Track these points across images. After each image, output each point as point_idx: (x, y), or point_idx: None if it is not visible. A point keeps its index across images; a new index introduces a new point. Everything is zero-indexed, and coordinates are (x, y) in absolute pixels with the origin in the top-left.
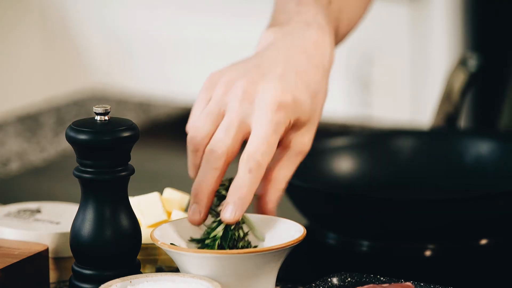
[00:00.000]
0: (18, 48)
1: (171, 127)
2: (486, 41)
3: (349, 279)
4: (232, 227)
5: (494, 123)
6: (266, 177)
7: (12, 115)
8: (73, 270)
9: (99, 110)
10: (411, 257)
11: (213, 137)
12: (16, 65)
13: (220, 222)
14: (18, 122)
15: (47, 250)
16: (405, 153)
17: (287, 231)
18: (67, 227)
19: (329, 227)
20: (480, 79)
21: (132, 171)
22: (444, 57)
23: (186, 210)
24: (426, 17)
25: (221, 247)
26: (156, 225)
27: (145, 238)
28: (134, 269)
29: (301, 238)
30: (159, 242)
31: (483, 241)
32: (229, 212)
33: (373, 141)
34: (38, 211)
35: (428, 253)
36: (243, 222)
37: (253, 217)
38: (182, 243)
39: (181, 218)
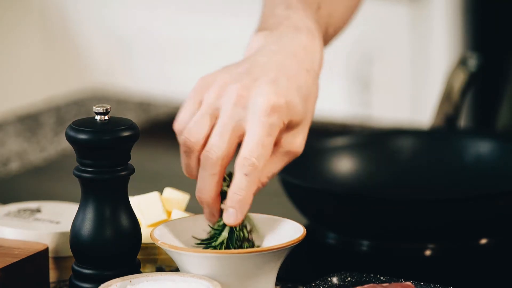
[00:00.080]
0: (18, 48)
1: (171, 127)
2: (486, 41)
3: (349, 278)
4: (237, 228)
5: (493, 122)
6: None
7: (12, 115)
8: (73, 269)
9: (99, 109)
10: (411, 257)
11: (208, 142)
12: (16, 65)
13: (224, 226)
14: (18, 122)
15: (47, 249)
16: (405, 153)
17: (287, 231)
18: (67, 227)
19: (329, 226)
20: (480, 79)
21: (132, 170)
22: (444, 57)
23: (186, 209)
24: (426, 17)
25: (227, 248)
26: (156, 224)
27: (145, 237)
28: (134, 268)
29: (301, 238)
30: (159, 242)
31: (483, 241)
32: (231, 216)
33: (373, 141)
34: (38, 210)
35: (428, 252)
36: (245, 223)
37: (253, 217)
38: (182, 243)
39: (181, 218)
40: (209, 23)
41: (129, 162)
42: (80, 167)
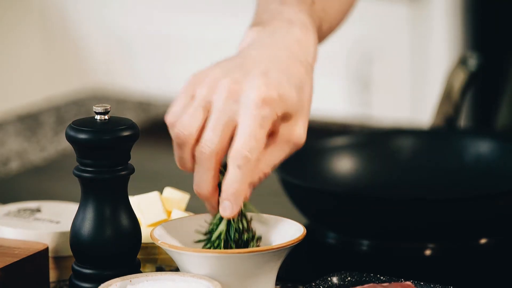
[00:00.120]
0: (18, 48)
1: None
2: (486, 40)
3: (349, 278)
4: (235, 220)
5: (492, 122)
6: None
7: (12, 114)
8: (73, 269)
9: (99, 109)
10: (411, 257)
11: (202, 137)
12: (16, 64)
13: (221, 219)
14: (18, 122)
15: (47, 249)
16: (405, 152)
17: (287, 231)
18: (67, 226)
19: (329, 226)
20: (480, 78)
21: (132, 170)
22: (444, 57)
23: (186, 209)
24: (426, 17)
25: (227, 241)
26: (156, 224)
27: (145, 237)
28: (134, 268)
29: (301, 238)
30: (159, 242)
31: (483, 241)
32: (226, 209)
33: (373, 140)
34: (38, 210)
35: (428, 252)
36: (245, 212)
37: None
38: (182, 243)
39: (181, 217)
40: (209, 23)
41: (129, 162)
42: (80, 167)
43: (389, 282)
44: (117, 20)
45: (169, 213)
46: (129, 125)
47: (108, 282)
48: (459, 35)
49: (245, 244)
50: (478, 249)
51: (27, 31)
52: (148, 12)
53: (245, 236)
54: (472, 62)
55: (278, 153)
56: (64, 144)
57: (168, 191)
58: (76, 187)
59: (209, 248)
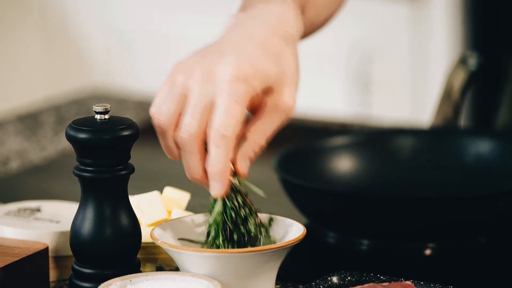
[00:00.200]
0: (18, 47)
1: None
2: (486, 40)
3: (349, 278)
4: (229, 198)
5: (492, 122)
6: (243, 136)
7: (12, 114)
8: (73, 269)
9: (99, 109)
10: (411, 256)
11: (181, 123)
12: (16, 64)
13: (215, 200)
14: (18, 121)
15: (47, 249)
16: (405, 152)
17: (287, 230)
18: (67, 226)
19: (329, 226)
20: (480, 78)
21: (132, 170)
22: (444, 56)
23: (186, 208)
24: (426, 17)
25: (224, 222)
26: (156, 224)
27: (145, 237)
28: (134, 268)
29: (301, 237)
30: (159, 241)
31: (483, 241)
32: (215, 189)
33: (373, 140)
34: (38, 210)
35: (428, 252)
36: (239, 188)
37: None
38: (182, 242)
39: (181, 217)
40: (209, 23)
41: (129, 161)
42: (80, 166)
43: (389, 281)
44: (117, 20)
45: (169, 212)
46: (129, 124)
47: (108, 281)
48: (459, 35)
49: (244, 221)
50: (478, 249)
51: (27, 31)
52: (148, 12)
53: (242, 212)
54: (472, 62)
55: (270, 124)
56: (64, 144)
57: (168, 191)
58: (76, 187)
59: (209, 233)
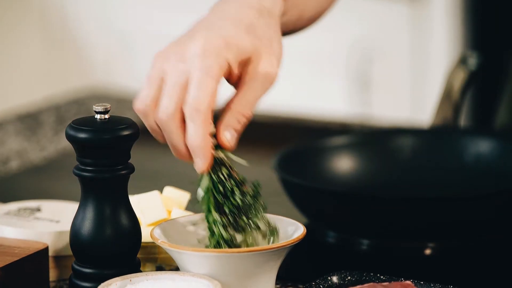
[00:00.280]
0: (18, 47)
1: None
2: (486, 39)
3: (349, 277)
4: (213, 172)
5: (491, 121)
6: (225, 108)
7: (12, 114)
8: (73, 268)
9: (99, 108)
10: (411, 256)
11: (159, 106)
12: (16, 64)
13: (202, 175)
14: (18, 121)
15: (47, 248)
16: (405, 152)
17: (287, 230)
18: (67, 226)
19: (329, 226)
20: (480, 77)
21: (132, 169)
22: (444, 56)
23: (186, 208)
24: (426, 17)
25: (214, 196)
26: (156, 223)
27: (145, 236)
28: (134, 267)
29: (301, 237)
30: (159, 241)
31: (483, 240)
32: (197, 164)
33: (373, 140)
34: (38, 209)
35: (428, 251)
36: (224, 161)
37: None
38: (182, 242)
39: (181, 217)
40: None
41: (129, 161)
42: (80, 166)
43: (389, 281)
44: (117, 20)
45: (169, 212)
46: (129, 124)
47: (108, 281)
48: (459, 34)
49: (232, 193)
50: (478, 248)
51: (27, 31)
52: (148, 12)
53: (228, 184)
54: (472, 62)
55: (252, 93)
56: (64, 144)
57: (168, 190)
58: (76, 187)
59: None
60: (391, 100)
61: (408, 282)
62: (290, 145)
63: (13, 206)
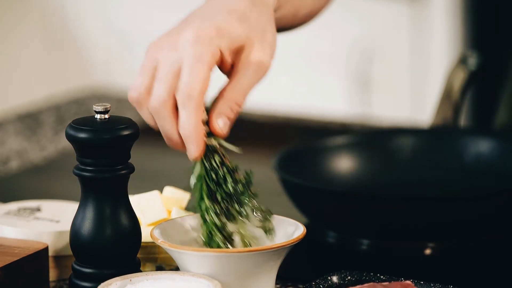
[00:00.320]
0: (18, 47)
1: None
2: (486, 39)
3: (349, 277)
4: (206, 159)
5: (491, 121)
6: (218, 96)
7: (12, 114)
8: (73, 268)
9: (99, 108)
10: (411, 256)
11: (151, 94)
12: (16, 64)
13: (195, 163)
14: (18, 121)
15: (47, 248)
16: (405, 151)
17: (287, 230)
18: (67, 226)
19: (329, 225)
20: (480, 77)
21: (132, 169)
22: (444, 56)
23: (186, 208)
24: (426, 17)
25: (207, 183)
26: (156, 223)
27: (145, 236)
28: (134, 267)
29: (301, 237)
30: (159, 241)
31: (483, 240)
32: (190, 151)
33: (373, 139)
34: (38, 209)
35: (428, 251)
36: (214, 148)
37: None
38: (182, 242)
39: (181, 216)
40: None
41: (129, 161)
42: (80, 166)
43: (389, 281)
44: (117, 20)
45: (169, 212)
46: (129, 124)
47: (108, 281)
48: (459, 34)
49: (225, 180)
50: (478, 248)
51: (27, 31)
52: (148, 12)
53: (221, 172)
54: (472, 61)
55: (245, 81)
56: (64, 143)
57: (168, 190)
58: (76, 187)
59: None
60: (391, 100)
61: (408, 282)
62: (290, 145)
63: (13, 206)
